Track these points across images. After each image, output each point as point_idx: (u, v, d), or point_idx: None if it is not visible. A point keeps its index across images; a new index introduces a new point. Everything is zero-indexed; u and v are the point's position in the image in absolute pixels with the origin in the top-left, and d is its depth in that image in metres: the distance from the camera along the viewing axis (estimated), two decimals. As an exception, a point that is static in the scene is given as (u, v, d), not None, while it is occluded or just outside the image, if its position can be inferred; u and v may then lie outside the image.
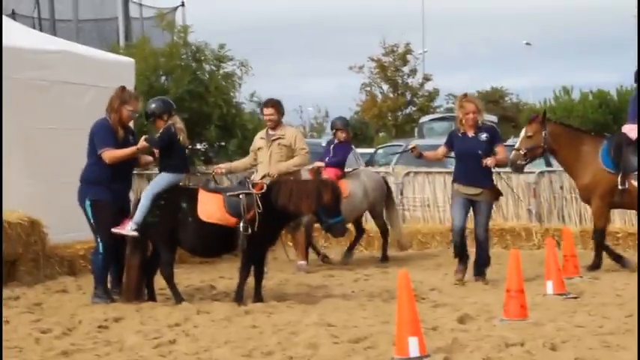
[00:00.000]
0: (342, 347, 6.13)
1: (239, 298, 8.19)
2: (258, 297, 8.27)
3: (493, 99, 50.11)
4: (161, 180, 8.37)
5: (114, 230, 8.27)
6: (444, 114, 29.68)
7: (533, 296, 8.14)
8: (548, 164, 14.43)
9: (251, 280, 8.30)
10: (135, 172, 9.27)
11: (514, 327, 6.84)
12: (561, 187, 13.32)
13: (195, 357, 6.03)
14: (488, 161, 9.27)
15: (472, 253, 9.80)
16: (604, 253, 10.65)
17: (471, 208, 9.55)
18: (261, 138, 10.77)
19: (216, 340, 6.49)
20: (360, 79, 46.33)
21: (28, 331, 6.87)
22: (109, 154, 8.40)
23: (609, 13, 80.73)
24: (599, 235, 10.67)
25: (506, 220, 13.57)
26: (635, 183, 10.36)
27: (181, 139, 8.48)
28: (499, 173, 12.44)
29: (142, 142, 8.41)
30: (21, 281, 9.29)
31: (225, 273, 10.27)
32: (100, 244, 8.43)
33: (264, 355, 6.04)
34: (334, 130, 12.01)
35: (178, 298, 8.24)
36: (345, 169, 12.10)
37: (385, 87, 44.88)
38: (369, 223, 12.70)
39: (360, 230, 12.18)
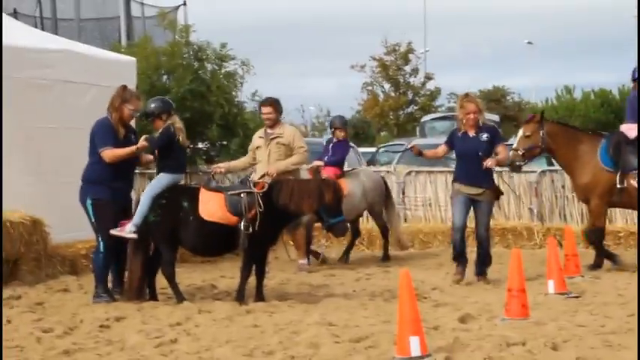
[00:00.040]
0: (344, 347, 6.13)
1: (240, 297, 8.20)
2: (259, 296, 8.27)
3: (495, 98, 50.13)
4: (160, 181, 8.38)
5: (112, 232, 8.28)
6: (446, 113, 29.65)
7: (534, 295, 8.14)
8: (551, 163, 14.43)
9: (252, 280, 8.30)
10: (137, 171, 9.26)
11: (515, 326, 6.84)
12: (563, 187, 13.32)
13: (196, 356, 6.03)
14: (489, 163, 9.25)
15: (473, 252, 9.80)
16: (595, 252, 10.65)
17: (472, 208, 9.54)
18: (260, 137, 10.76)
19: (217, 340, 6.49)
20: (361, 79, 46.41)
21: (30, 330, 6.87)
22: (109, 154, 8.41)
23: (610, 13, 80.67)
24: (598, 234, 10.67)
25: (507, 219, 13.57)
26: (633, 182, 10.37)
27: (180, 139, 8.49)
28: (500, 173, 12.45)
29: (142, 142, 8.42)
30: (23, 280, 9.29)
31: (227, 272, 10.28)
32: (101, 243, 8.44)
33: (265, 354, 6.04)
34: (333, 129, 12.01)
35: (180, 297, 8.24)
36: (346, 168, 12.09)
37: (387, 86, 44.95)
38: (370, 223, 12.71)
39: (357, 232, 12.16)
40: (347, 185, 11.25)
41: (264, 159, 10.54)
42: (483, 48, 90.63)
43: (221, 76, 14.45)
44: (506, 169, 11.66)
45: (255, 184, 8.35)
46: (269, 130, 10.67)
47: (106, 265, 8.50)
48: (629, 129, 10.62)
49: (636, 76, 10.69)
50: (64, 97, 10.47)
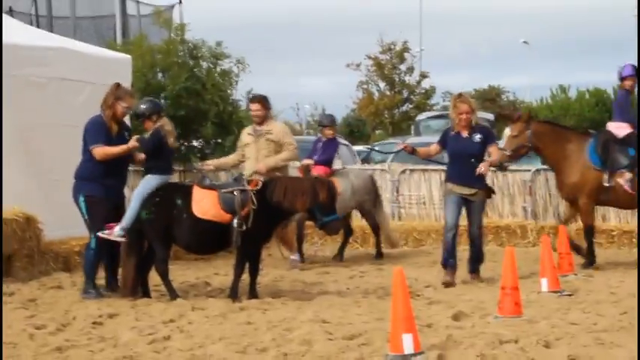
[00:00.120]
0: (337, 344, 6.14)
1: (234, 294, 8.20)
2: (252, 293, 8.28)
3: (490, 97, 50.18)
4: (148, 183, 8.37)
5: (100, 235, 8.30)
6: (441, 112, 29.67)
7: (527, 294, 8.16)
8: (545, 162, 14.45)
9: (246, 277, 8.31)
10: (130, 168, 9.27)
11: (508, 324, 6.85)
12: (557, 185, 13.33)
13: (189, 353, 6.03)
14: (482, 169, 9.23)
15: (466, 251, 9.81)
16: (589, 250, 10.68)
17: (464, 207, 9.50)
18: (249, 134, 10.75)
19: (210, 337, 6.49)
20: (357, 77, 46.40)
21: (23, 327, 6.86)
22: (100, 151, 8.43)
23: (607, 13, 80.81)
24: (589, 232, 10.71)
25: (501, 217, 13.60)
26: (620, 180, 10.40)
27: (170, 141, 8.50)
28: (495, 172, 12.46)
29: (133, 142, 8.44)
30: (16, 277, 9.28)
31: (220, 270, 10.29)
32: (93, 240, 8.46)
33: (258, 351, 6.04)
34: (321, 128, 11.99)
35: (173, 294, 8.24)
36: (343, 166, 12.10)
37: (382, 85, 44.92)
38: (364, 221, 12.71)
39: (349, 230, 12.16)
40: (336, 184, 11.25)
41: (253, 156, 10.52)
42: (480, 47, 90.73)
43: (216, 74, 14.44)
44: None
45: (249, 182, 8.36)
46: (258, 127, 10.66)
47: (96, 262, 8.52)
48: (617, 127, 10.66)
49: (624, 74, 10.72)
50: (60, 95, 10.46)
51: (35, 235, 9.68)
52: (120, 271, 8.56)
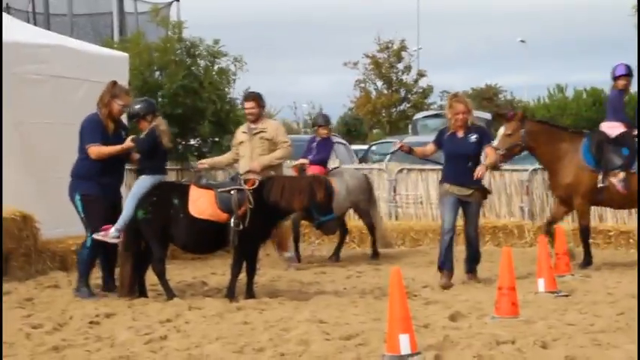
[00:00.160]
0: (334, 344, 6.14)
1: (231, 294, 8.19)
2: (250, 293, 8.27)
3: (487, 96, 50.20)
4: (142, 183, 8.35)
5: (95, 237, 8.29)
6: (438, 111, 29.67)
7: (524, 294, 8.16)
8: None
9: (243, 277, 8.30)
10: (127, 167, 9.26)
11: (505, 324, 6.85)
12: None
13: (186, 353, 6.02)
14: (479, 173, 9.20)
15: (463, 251, 9.79)
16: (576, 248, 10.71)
17: (461, 208, 9.47)
18: (243, 132, 10.72)
19: (207, 336, 6.49)
20: (354, 76, 46.40)
21: (19, 326, 6.85)
22: (95, 150, 8.43)
23: (605, 12, 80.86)
24: (584, 232, 10.72)
25: (498, 217, 13.61)
26: (614, 180, 10.40)
27: (164, 142, 8.49)
28: (492, 172, 12.47)
29: (128, 142, 8.43)
30: (12, 276, 9.26)
31: (218, 269, 10.28)
32: (88, 239, 8.45)
33: (255, 351, 6.04)
34: (316, 128, 11.96)
35: (170, 294, 8.23)
36: (337, 166, 12.08)
37: (379, 83, 44.93)
38: (360, 221, 12.71)
39: (345, 230, 12.14)
40: None
41: (248, 154, 10.50)
42: (477, 46, 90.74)
43: (214, 72, 14.43)
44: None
45: (246, 181, 8.35)
46: (252, 125, 10.63)
47: (91, 261, 8.52)
48: (610, 127, 10.67)
49: (617, 74, 10.73)
50: (57, 93, 10.44)
51: (32, 233, 9.67)
52: (117, 270, 8.55)
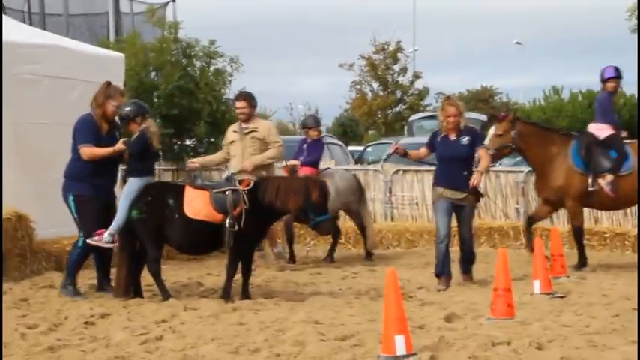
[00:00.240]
0: (329, 345, 6.14)
1: (226, 294, 8.19)
2: (245, 294, 8.26)
3: (483, 98, 50.25)
4: (131, 187, 8.33)
5: (89, 242, 8.29)
6: (434, 112, 29.70)
7: (520, 295, 8.17)
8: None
9: (238, 277, 8.30)
10: (122, 167, 9.24)
11: (501, 326, 6.85)
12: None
13: (181, 353, 6.02)
14: (475, 181, 9.18)
15: (457, 251, 9.77)
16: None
17: (454, 213, 9.42)
18: (234, 131, 10.69)
19: (203, 337, 6.48)
20: (350, 77, 46.40)
21: (14, 326, 6.84)
22: (87, 151, 8.42)
23: (601, 14, 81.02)
24: (578, 234, 10.74)
25: (494, 219, 13.61)
26: (602, 183, 10.42)
27: (154, 144, 8.49)
28: (487, 174, 12.47)
29: (120, 145, 8.42)
30: (8, 276, 9.24)
31: (213, 270, 10.28)
32: (81, 239, 8.45)
33: (250, 352, 6.04)
34: (306, 130, 11.94)
35: (165, 294, 8.23)
36: (327, 167, 12.07)
37: (375, 85, 44.93)
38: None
39: (337, 231, 12.11)
40: None
41: (239, 154, 10.47)
42: (473, 48, 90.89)
43: (210, 73, 14.44)
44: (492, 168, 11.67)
45: (241, 182, 8.35)
46: (243, 125, 10.61)
47: (80, 260, 8.56)
48: (598, 129, 10.68)
49: (606, 76, 10.74)
50: (52, 93, 10.43)
51: (27, 234, 9.66)
52: (112, 270, 8.55)
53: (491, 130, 10.78)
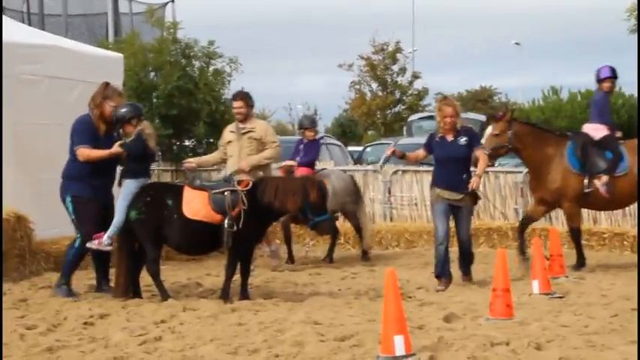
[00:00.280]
0: (328, 345, 6.14)
1: (225, 295, 8.19)
2: (244, 294, 8.26)
3: (482, 98, 50.24)
4: (128, 189, 8.33)
5: (89, 246, 8.31)
6: (433, 112, 29.69)
7: (519, 295, 8.17)
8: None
9: (237, 278, 8.30)
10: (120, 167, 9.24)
11: (500, 326, 6.85)
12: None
13: (180, 354, 6.02)
14: (474, 185, 9.17)
15: (456, 251, 9.77)
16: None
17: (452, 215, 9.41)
18: (231, 131, 10.66)
19: (202, 338, 6.48)
20: (349, 77, 46.38)
21: (13, 327, 6.84)
22: (84, 153, 8.42)
23: (600, 14, 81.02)
24: (576, 235, 10.74)
25: (493, 219, 13.61)
26: (597, 184, 10.42)
27: (151, 145, 8.49)
28: (487, 174, 12.47)
29: (117, 148, 8.40)
30: (7, 277, 9.23)
31: (212, 270, 10.28)
32: (78, 240, 8.45)
33: (250, 352, 6.04)
34: (302, 130, 11.92)
35: (164, 295, 8.22)
36: (324, 168, 12.05)
37: (374, 85, 44.93)
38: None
39: (336, 231, 12.08)
40: None
41: (236, 154, 10.45)
42: (472, 48, 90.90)
43: (209, 73, 14.45)
44: (491, 168, 11.66)
45: (240, 182, 8.35)
46: (240, 125, 10.58)
47: (76, 261, 8.56)
48: (593, 129, 10.68)
49: (602, 76, 10.75)
50: (51, 93, 10.42)
51: (26, 234, 9.65)
52: (112, 271, 8.54)
53: (488, 130, 10.76)
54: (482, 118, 22.77)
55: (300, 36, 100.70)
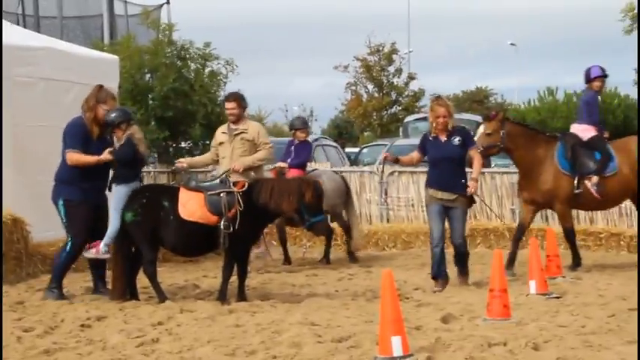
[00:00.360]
0: (326, 346, 6.13)
1: (222, 297, 8.18)
2: (241, 296, 8.26)
3: (478, 99, 50.28)
4: (119, 195, 8.32)
5: (86, 255, 8.30)
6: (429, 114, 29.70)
7: (516, 296, 8.17)
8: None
9: (234, 279, 8.29)
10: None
11: (497, 327, 6.86)
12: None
13: (178, 356, 6.02)
14: (472, 189, 9.16)
15: (452, 252, 9.76)
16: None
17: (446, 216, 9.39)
18: (223, 132, 10.64)
19: (199, 339, 6.48)
20: (345, 79, 46.38)
21: (10, 329, 6.82)
22: (73, 157, 8.40)
23: (596, 15, 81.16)
24: (569, 235, 10.74)
25: (489, 220, 13.61)
26: (588, 184, 10.43)
27: (141, 149, 8.48)
28: (483, 174, 12.47)
29: (106, 155, 8.38)
30: (3, 279, 9.21)
31: (209, 272, 10.27)
32: (69, 243, 8.45)
33: (247, 354, 6.04)
34: (293, 131, 11.90)
35: (162, 296, 8.22)
36: (314, 169, 12.03)
37: (370, 86, 44.93)
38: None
39: (330, 231, 12.04)
40: None
41: (228, 155, 10.44)
42: (468, 49, 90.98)
43: (204, 75, 14.45)
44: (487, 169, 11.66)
45: (235, 184, 8.34)
46: (233, 126, 10.57)
47: (67, 264, 8.55)
48: (582, 130, 10.69)
49: (592, 75, 10.76)
50: (47, 95, 10.41)
51: (23, 236, 9.64)
52: (108, 273, 8.53)
53: (481, 129, 10.74)
54: (478, 118, 22.81)
55: (296, 37, 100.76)
